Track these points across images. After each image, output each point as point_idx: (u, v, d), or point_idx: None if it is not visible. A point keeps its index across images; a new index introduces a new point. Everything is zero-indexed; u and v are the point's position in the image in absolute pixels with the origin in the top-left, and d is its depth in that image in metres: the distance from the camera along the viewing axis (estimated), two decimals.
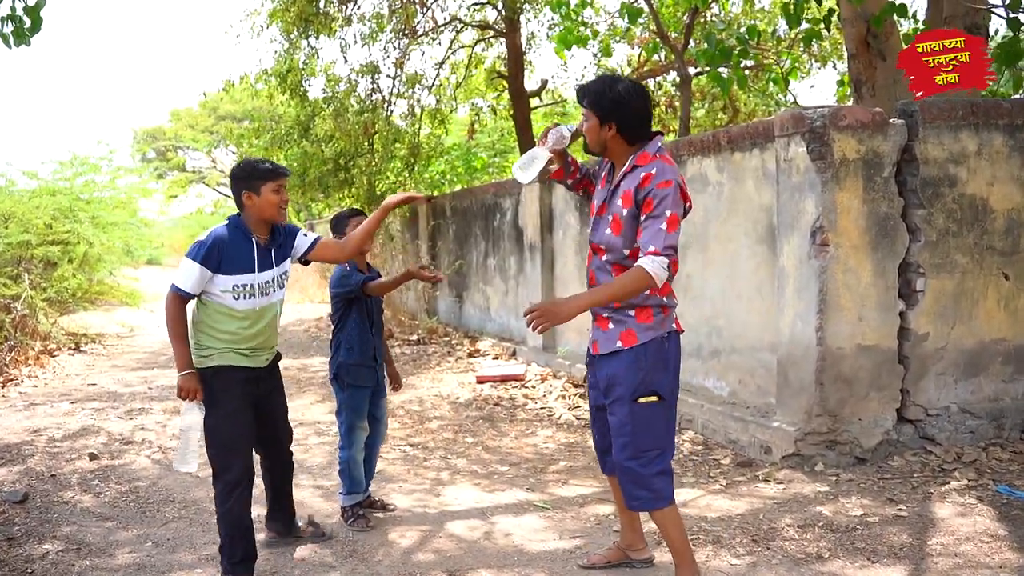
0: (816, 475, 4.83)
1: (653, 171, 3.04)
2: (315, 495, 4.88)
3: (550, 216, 8.82)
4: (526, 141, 14.37)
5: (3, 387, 8.42)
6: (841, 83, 10.28)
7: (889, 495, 4.46)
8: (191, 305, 3.57)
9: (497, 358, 9.26)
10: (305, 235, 3.73)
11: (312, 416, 6.89)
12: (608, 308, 3.17)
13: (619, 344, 3.13)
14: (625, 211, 3.09)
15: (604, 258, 3.20)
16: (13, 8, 6.88)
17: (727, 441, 5.57)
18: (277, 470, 4.00)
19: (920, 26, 7.43)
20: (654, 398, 3.14)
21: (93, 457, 5.63)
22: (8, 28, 6.94)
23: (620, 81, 3.17)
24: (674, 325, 3.22)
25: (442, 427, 6.45)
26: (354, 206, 12.66)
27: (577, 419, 6.47)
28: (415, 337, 11.01)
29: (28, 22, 6.97)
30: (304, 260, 3.78)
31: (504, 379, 7.95)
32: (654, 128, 3.23)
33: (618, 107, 3.11)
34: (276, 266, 3.62)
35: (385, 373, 4.52)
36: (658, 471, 3.16)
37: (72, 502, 4.79)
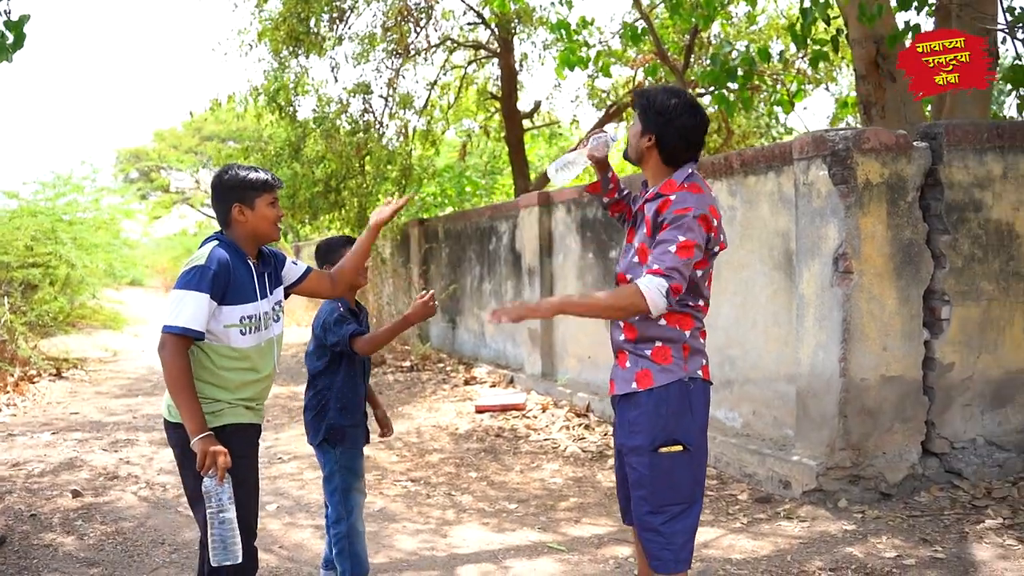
0: (840, 512, 4.60)
1: (673, 198, 2.81)
2: (315, 536, 4.60)
3: (550, 239, 8.60)
4: (519, 162, 14.21)
5: None
6: (844, 104, 10.17)
7: (921, 535, 4.24)
8: None
9: (494, 386, 8.99)
10: (295, 263, 3.18)
11: (306, 449, 6.54)
12: (628, 343, 2.91)
13: (634, 386, 2.83)
14: (648, 239, 2.84)
15: None
16: None
17: (742, 475, 5.34)
18: None
19: None
20: (678, 448, 2.82)
21: (76, 494, 5.33)
22: None
23: (677, 95, 2.92)
24: (700, 372, 2.87)
25: (443, 460, 6.18)
26: (344, 232, 12.41)
27: (583, 451, 6.22)
28: (408, 364, 10.73)
29: (11, 38, 6.75)
30: (286, 293, 3.19)
31: (504, 408, 7.68)
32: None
33: (662, 119, 2.86)
34: (271, 293, 3.03)
35: (374, 418, 3.81)
36: (681, 529, 2.83)
37: (54, 545, 4.49)
